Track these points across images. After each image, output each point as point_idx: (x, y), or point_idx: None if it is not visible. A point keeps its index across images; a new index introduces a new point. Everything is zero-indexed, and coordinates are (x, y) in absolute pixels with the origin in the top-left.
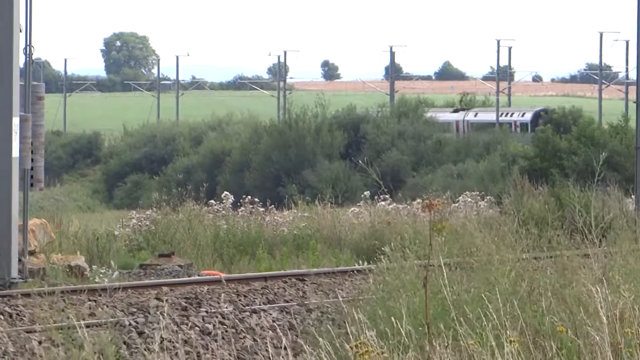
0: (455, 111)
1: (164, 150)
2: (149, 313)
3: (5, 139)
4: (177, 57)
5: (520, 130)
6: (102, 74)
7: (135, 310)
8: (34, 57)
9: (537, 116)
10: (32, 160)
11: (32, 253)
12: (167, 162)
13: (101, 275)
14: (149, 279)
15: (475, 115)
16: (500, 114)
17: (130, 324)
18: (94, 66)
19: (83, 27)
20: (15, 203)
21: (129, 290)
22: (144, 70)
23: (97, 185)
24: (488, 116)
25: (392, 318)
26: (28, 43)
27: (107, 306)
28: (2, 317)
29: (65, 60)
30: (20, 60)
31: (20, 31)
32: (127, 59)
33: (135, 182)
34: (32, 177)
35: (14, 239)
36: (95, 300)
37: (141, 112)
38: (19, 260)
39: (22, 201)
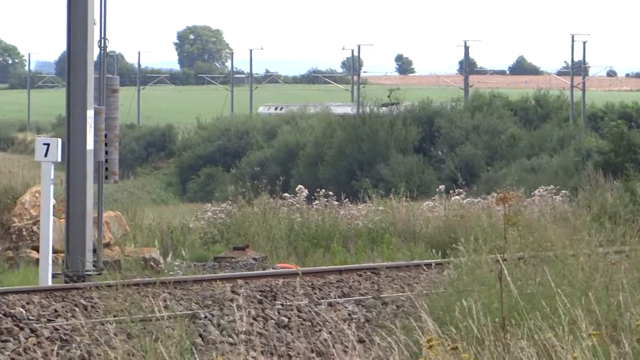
0: (384, 105)
1: (237, 144)
2: (224, 306)
3: (80, 132)
4: (251, 51)
5: None
6: (176, 67)
7: (210, 302)
8: (108, 50)
9: None
10: (106, 152)
11: (106, 245)
12: (240, 155)
13: (175, 267)
14: (224, 272)
15: (326, 109)
16: (351, 108)
17: (205, 317)
18: (168, 59)
19: (157, 21)
20: (89, 195)
21: (204, 282)
22: (217, 64)
23: (171, 178)
24: (340, 110)
25: (467, 312)
26: (102, 36)
27: (182, 298)
28: (77, 309)
29: (139, 53)
30: (94, 53)
31: (95, 24)
32: (200, 52)
33: (208, 175)
34: (106, 169)
35: (89, 231)
36: (170, 293)
37: (215, 105)
38: (94, 252)
39: (97, 194)
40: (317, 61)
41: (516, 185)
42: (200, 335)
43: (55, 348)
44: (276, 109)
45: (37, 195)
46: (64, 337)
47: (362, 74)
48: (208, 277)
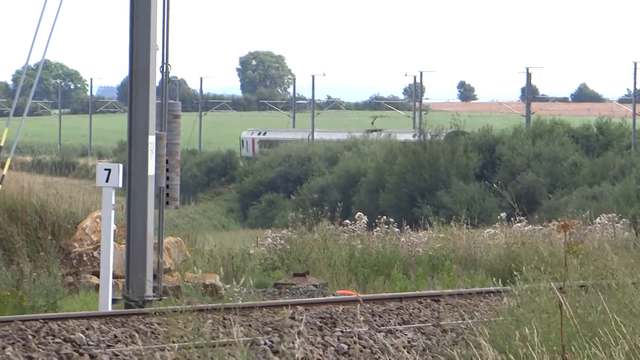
0: (368, 131)
1: (299, 170)
2: (284, 332)
3: (141, 157)
4: (313, 77)
5: None
6: (238, 92)
7: (270, 329)
8: (170, 75)
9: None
10: (167, 178)
11: (167, 271)
12: (302, 181)
13: (236, 293)
14: (284, 298)
15: (389, 136)
16: (413, 135)
17: (265, 343)
18: (230, 85)
19: (219, 46)
20: (150, 221)
21: (264, 309)
22: (279, 90)
23: (232, 204)
24: (402, 137)
25: (526, 340)
26: (165, 61)
27: (242, 325)
28: (137, 335)
29: (201, 78)
30: (156, 78)
31: (157, 49)
32: (262, 78)
33: (269, 201)
34: (167, 195)
35: (149, 257)
36: (230, 319)
37: None
38: (154, 278)
39: (158, 219)
40: (379, 87)
41: (577, 213)
42: None
43: None
44: (259, 133)
45: (98, 220)
46: None
47: (424, 101)
48: (268, 304)
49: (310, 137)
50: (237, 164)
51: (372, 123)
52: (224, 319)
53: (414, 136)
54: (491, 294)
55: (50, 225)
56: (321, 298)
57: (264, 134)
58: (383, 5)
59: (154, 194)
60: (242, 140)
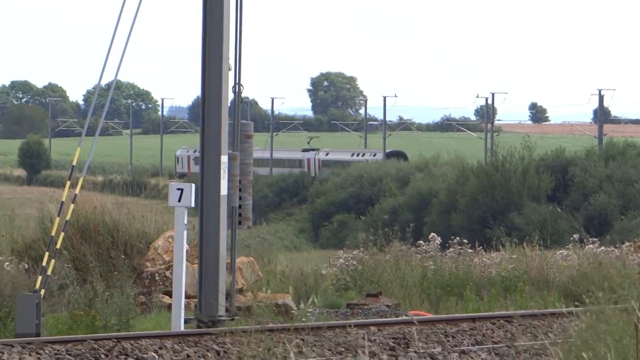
0: (305, 151)
1: (370, 191)
2: (357, 352)
3: (214, 177)
4: (385, 98)
5: None
6: (309, 113)
7: (343, 349)
8: (242, 95)
9: (389, 156)
10: (240, 198)
11: (239, 291)
12: (373, 202)
13: (308, 314)
14: (357, 319)
15: (327, 155)
16: (352, 154)
17: None
18: (301, 105)
19: (291, 67)
20: (223, 241)
21: (337, 329)
22: (351, 111)
23: (303, 225)
24: (339, 156)
25: None
26: (237, 81)
27: (314, 345)
28: (209, 355)
29: (273, 99)
30: (228, 99)
31: (230, 70)
32: (334, 99)
33: (341, 222)
34: (240, 215)
35: (222, 276)
36: (302, 339)
37: None
38: (226, 297)
39: (230, 239)
40: (451, 109)
41: None
42: None
43: None
44: (195, 151)
45: (170, 240)
46: None
47: (495, 122)
48: (341, 324)
49: (267, 154)
50: (308, 184)
51: (308, 143)
52: (296, 339)
53: (352, 155)
54: (564, 316)
55: (123, 244)
56: (394, 319)
57: (327, 154)
58: (454, 27)
59: (226, 214)
60: (177, 158)
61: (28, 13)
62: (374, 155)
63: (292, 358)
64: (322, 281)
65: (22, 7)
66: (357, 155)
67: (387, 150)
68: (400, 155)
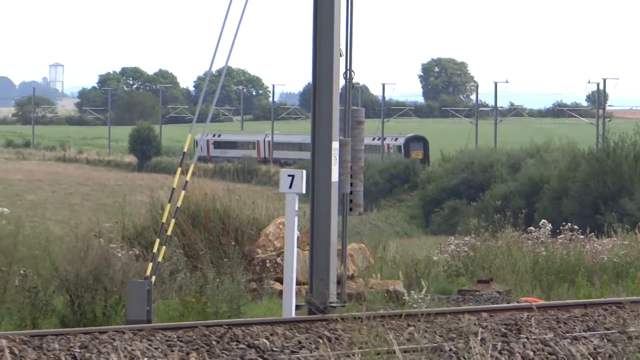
0: None
1: (481, 177)
2: (469, 339)
3: (325, 163)
4: (496, 84)
5: (394, 152)
6: (420, 99)
7: (454, 336)
8: (353, 81)
9: (410, 141)
10: (351, 184)
11: (350, 277)
12: (484, 188)
13: (419, 300)
14: (468, 305)
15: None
16: (373, 138)
17: (450, 350)
18: (412, 91)
19: (401, 53)
20: (334, 227)
21: (448, 315)
22: (462, 97)
23: (414, 211)
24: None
25: None
26: (348, 67)
27: (426, 331)
28: (321, 341)
29: (384, 85)
30: (339, 85)
31: (341, 55)
32: (445, 85)
33: (452, 208)
34: (351, 201)
35: (333, 263)
36: (414, 325)
37: (459, 138)
38: (338, 284)
39: (341, 226)
40: (562, 94)
41: None
42: None
43: None
44: (214, 136)
45: (281, 226)
46: None
47: (607, 108)
48: (452, 310)
49: (268, 138)
50: (419, 170)
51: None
52: (408, 325)
53: (372, 140)
54: None
55: (233, 231)
56: (505, 305)
57: (219, 136)
58: (567, 12)
59: (337, 200)
60: (197, 142)
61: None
62: (395, 139)
63: (404, 344)
64: (433, 267)
65: None
66: (378, 139)
67: (408, 135)
68: (420, 140)
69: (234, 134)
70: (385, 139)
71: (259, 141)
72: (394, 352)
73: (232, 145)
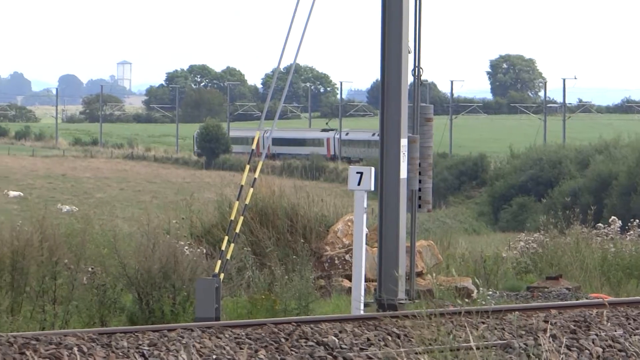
0: (324, 131)
1: (550, 173)
2: (538, 336)
3: (394, 160)
4: (564, 80)
5: None
6: (488, 96)
7: (523, 332)
8: (422, 78)
9: None
10: (419, 181)
11: (419, 274)
12: (553, 184)
13: (488, 297)
14: (537, 302)
15: (347, 134)
16: (372, 133)
17: (519, 347)
18: (480, 88)
19: (470, 49)
20: (402, 224)
21: (517, 312)
22: (530, 93)
23: (483, 208)
24: (358, 136)
25: None
26: (417, 64)
27: (495, 328)
28: (390, 338)
29: (452, 82)
30: (408, 81)
31: (409, 52)
32: (513, 82)
33: (520, 205)
34: (419, 198)
35: (402, 260)
36: (483, 322)
37: (527, 134)
38: (406, 281)
39: (410, 222)
40: (631, 90)
41: None
42: None
43: None
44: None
45: (349, 223)
46: None
47: None
48: (521, 307)
49: (268, 134)
50: (488, 167)
51: (327, 124)
52: (477, 322)
53: (372, 135)
54: None
55: (302, 228)
56: (574, 301)
57: (347, 134)
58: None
59: (406, 197)
60: (195, 138)
61: None
62: None
63: (474, 341)
64: (502, 264)
65: None
66: (377, 135)
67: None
68: None
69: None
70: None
71: (329, 138)
72: (463, 350)
73: (301, 142)
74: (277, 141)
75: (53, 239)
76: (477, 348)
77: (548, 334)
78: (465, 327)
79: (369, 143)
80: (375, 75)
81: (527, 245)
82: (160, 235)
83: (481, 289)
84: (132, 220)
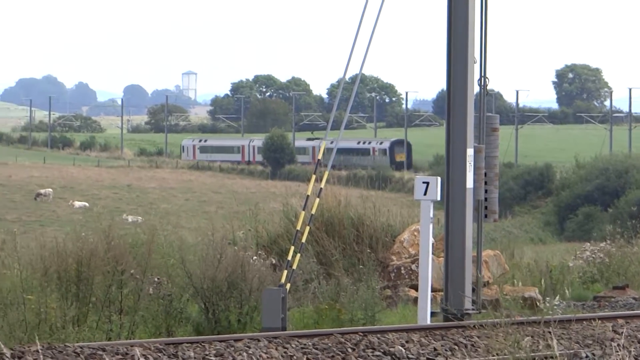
0: (310, 139)
1: (616, 183)
2: (605, 345)
3: (460, 170)
4: (630, 90)
5: (379, 155)
6: (554, 105)
7: (590, 342)
8: (487, 88)
9: (394, 144)
10: (485, 191)
11: (485, 284)
12: (619, 194)
13: (555, 306)
14: (603, 311)
15: (331, 143)
16: (358, 142)
17: (587, 356)
18: (546, 98)
19: (535, 59)
20: (469, 234)
21: (584, 322)
22: (596, 103)
23: (549, 217)
24: (344, 144)
25: None
26: (482, 74)
27: (562, 337)
28: (457, 348)
29: (517, 92)
30: (474, 91)
31: (475, 62)
32: (579, 91)
33: (586, 214)
34: (486, 208)
35: (468, 270)
36: (550, 332)
37: (593, 144)
38: (473, 291)
39: (476, 232)
40: None
41: None
42: None
43: None
44: (200, 141)
45: (415, 233)
46: None
47: None
48: (588, 316)
49: (252, 143)
50: (554, 177)
51: (312, 133)
52: (544, 331)
53: (357, 143)
54: None
55: (368, 238)
56: None
57: (205, 141)
58: None
59: (472, 207)
60: (183, 147)
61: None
62: (381, 143)
63: (540, 351)
64: (569, 274)
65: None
66: (363, 143)
67: (393, 139)
68: (404, 144)
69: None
70: (370, 142)
71: (314, 147)
72: (531, 359)
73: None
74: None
75: (118, 249)
76: (545, 358)
77: (615, 344)
78: (532, 336)
79: (351, 151)
80: (441, 85)
81: (594, 255)
82: (226, 246)
83: (547, 298)
84: (198, 230)
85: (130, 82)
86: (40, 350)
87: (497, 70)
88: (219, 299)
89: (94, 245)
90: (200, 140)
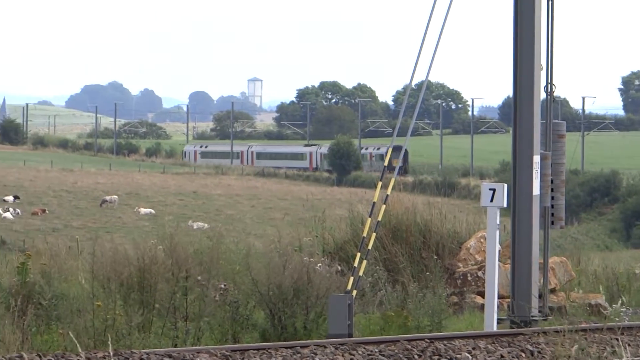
0: (307, 146)
1: None
2: None
3: (526, 176)
4: None
5: (376, 160)
6: (621, 112)
7: None
8: (554, 95)
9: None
10: (552, 198)
11: (552, 291)
12: None
13: (622, 313)
14: None
15: (328, 149)
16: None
17: None
18: (612, 105)
19: (601, 66)
20: (535, 240)
21: None
22: None
23: (615, 224)
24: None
25: None
26: (549, 81)
27: (629, 344)
28: (523, 355)
29: (583, 98)
30: (540, 98)
31: (541, 69)
32: None
33: None
34: (552, 214)
35: (534, 277)
36: (617, 339)
37: None
38: (539, 298)
39: (543, 239)
40: None
41: None
42: None
43: None
44: (201, 147)
45: (482, 240)
46: None
47: None
48: None
49: (252, 149)
50: (620, 184)
51: (308, 141)
52: (611, 338)
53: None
54: None
55: (434, 245)
56: None
57: (206, 147)
58: None
59: (538, 213)
60: (185, 152)
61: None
62: (378, 149)
63: (607, 358)
64: (635, 281)
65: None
66: (362, 149)
67: (389, 145)
68: (400, 149)
69: (218, 145)
70: (367, 148)
71: (311, 152)
72: None
73: (285, 156)
74: (264, 155)
75: (183, 256)
76: None
77: None
78: (598, 343)
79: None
80: (507, 91)
81: None
82: (292, 252)
83: (614, 305)
84: (264, 237)
85: (195, 88)
86: (109, 356)
87: (563, 76)
88: (285, 305)
89: (155, 252)
90: (201, 146)
